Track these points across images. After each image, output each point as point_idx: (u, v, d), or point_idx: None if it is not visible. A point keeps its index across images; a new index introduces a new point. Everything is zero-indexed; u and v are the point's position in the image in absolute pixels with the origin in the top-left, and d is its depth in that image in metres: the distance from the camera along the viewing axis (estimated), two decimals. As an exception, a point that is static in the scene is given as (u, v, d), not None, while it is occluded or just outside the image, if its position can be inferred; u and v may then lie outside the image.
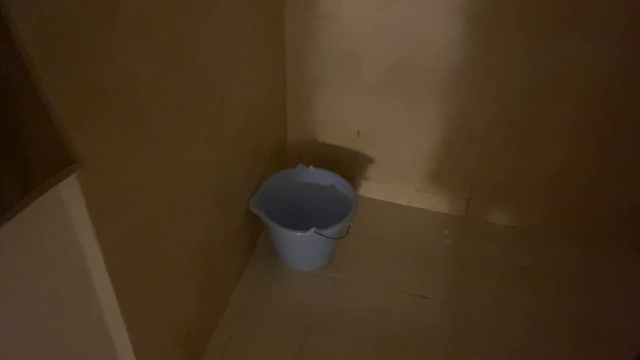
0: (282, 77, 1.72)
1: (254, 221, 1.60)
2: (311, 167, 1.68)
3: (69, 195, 0.74)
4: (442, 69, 1.57)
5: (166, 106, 0.99)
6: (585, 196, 1.69)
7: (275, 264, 1.67)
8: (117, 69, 0.81)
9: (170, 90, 1.00)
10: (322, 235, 1.45)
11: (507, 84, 1.54)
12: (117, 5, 0.78)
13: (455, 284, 1.64)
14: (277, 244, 1.61)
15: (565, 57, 1.43)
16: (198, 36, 1.08)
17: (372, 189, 1.92)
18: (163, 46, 0.94)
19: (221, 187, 1.36)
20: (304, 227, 1.45)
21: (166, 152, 1.03)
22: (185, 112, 1.09)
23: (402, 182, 1.87)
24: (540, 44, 1.44)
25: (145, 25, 0.86)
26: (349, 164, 1.88)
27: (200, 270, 1.33)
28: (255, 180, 1.62)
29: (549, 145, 1.62)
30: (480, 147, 1.69)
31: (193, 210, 1.23)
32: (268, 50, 1.56)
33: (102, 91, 0.78)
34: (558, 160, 1.64)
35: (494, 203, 1.81)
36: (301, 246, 1.56)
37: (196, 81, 1.11)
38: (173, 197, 1.10)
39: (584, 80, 1.46)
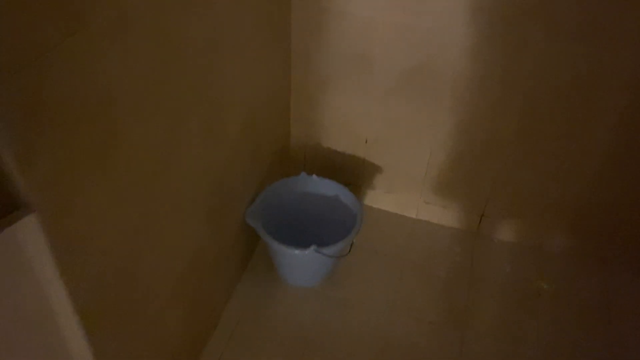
0: (286, 76, 1.59)
1: (251, 232, 1.48)
2: (314, 175, 1.56)
3: (24, 234, 0.62)
4: (461, 76, 1.43)
5: (150, 117, 0.87)
6: (609, 218, 1.56)
7: (271, 279, 1.56)
8: (87, 81, 0.68)
9: (156, 98, 0.87)
10: (322, 254, 1.33)
11: (531, 94, 1.40)
12: (88, 5, 0.65)
13: (463, 308, 1.53)
14: (275, 259, 1.50)
15: (599, 69, 1.30)
16: (192, 34, 0.95)
17: (378, 199, 1.80)
18: (147, 48, 0.81)
19: (216, 198, 1.25)
20: (305, 241, 1.34)
21: (150, 169, 0.91)
22: (175, 120, 0.96)
23: (411, 194, 1.74)
24: (571, 53, 1.30)
25: (123, 25, 0.74)
26: (355, 172, 1.76)
27: (189, 289, 1.22)
28: (254, 188, 1.50)
29: (574, 163, 1.49)
30: (499, 160, 1.56)
31: (182, 227, 1.11)
32: (272, 47, 1.43)
33: (69, 109, 0.66)
34: (582, 179, 1.51)
35: (509, 220, 1.69)
36: (300, 263, 1.45)
37: (189, 84, 0.98)
38: (159, 216, 0.98)
39: (618, 95, 1.32)
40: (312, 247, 1.31)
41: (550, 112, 1.42)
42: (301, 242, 1.34)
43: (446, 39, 1.38)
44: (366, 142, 1.68)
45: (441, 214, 1.75)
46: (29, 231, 0.61)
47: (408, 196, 1.75)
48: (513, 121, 1.47)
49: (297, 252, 1.33)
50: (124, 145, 0.80)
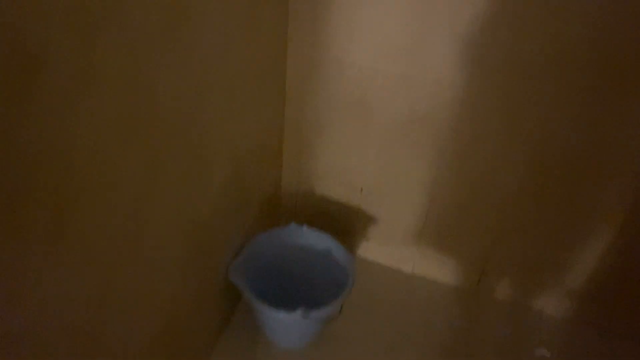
0: (279, 121, 1.51)
1: (235, 286, 1.38)
2: (304, 227, 1.46)
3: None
4: (463, 129, 1.36)
5: (119, 175, 0.78)
6: (616, 286, 1.47)
7: (255, 338, 1.44)
8: (41, 141, 0.59)
9: (127, 153, 0.78)
10: (310, 317, 1.23)
11: (537, 152, 1.32)
12: (44, 60, 0.57)
13: (460, 376, 1.42)
14: (259, 319, 1.39)
15: (613, 131, 1.22)
16: (172, 81, 0.86)
17: (373, 250, 1.70)
18: (116, 99, 0.72)
19: (196, 254, 1.15)
20: (293, 298, 1.24)
21: (118, 232, 0.81)
22: (150, 175, 0.87)
23: (407, 247, 1.65)
24: (582, 114, 1.23)
25: (89, 74, 0.65)
26: (349, 222, 1.67)
27: (164, 353, 1.10)
28: (240, 239, 1.40)
29: (581, 226, 1.40)
30: (500, 217, 1.48)
31: (157, 289, 1.01)
32: (265, 92, 1.35)
33: (16, 176, 0.57)
34: (593, 243, 1.42)
35: (510, 280, 1.60)
36: (286, 325, 1.34)
37: (167, 135, 0.89)
38: (128, 279, 0.88)
39: (631, 161, 1.25)
40: (299, 311, 1.21)
41: (557, 172, 1.34)
42: (289, 299, 1.25)
43: (448, 92, 1.31)
44: (361, 191, 1.59)
45: (438, 270, 1.66)
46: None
47: (404, 249, 1.66)
48: (517, 178, 1.39)
49: (283, 315, 1.23)
50: (84, 209, 0.71)
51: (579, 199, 1.36)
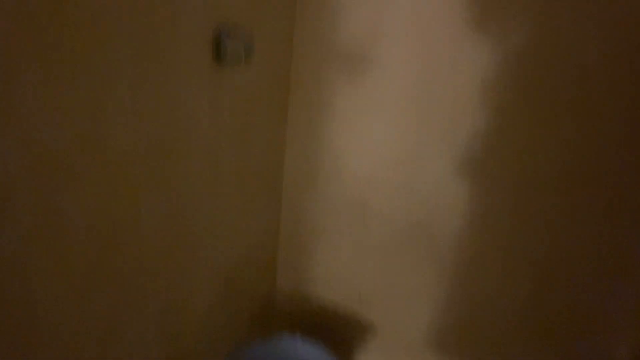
0: (275, 225, 1.48)
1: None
2: (297, 339, 1.38)
3: None
4: (465, 239, 1.31)
5: (86, 309, 0.73)
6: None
7: None
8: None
9: (95, 291, 0.74)
10: None
11: (544, 267, 1.26)
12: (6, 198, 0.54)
13: None
14: None
15: (626, 253, 1.16)
16: (150, 208, 0.84)
17: (371, 361, 1.60)
18: (88, 238, 0.69)
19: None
20: None
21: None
22: (122, 309, 0.83)
23: (407, 357, 1.55)
24: (592, 226, 1.17)
25: (54, 221, 0.63)
26: (347, 329, 1.58)
27: None
28: (229, 350, 1.33)
29: (594, 345, 1.30)
30: (508, 331, 1.39)
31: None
32: (261, 196, 1.33)
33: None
34: (604, 365, 1.32)
35: (520, 399, 1.47)
36: None
37: (150, 263, 0.86)
38: None
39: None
40: None
41: (563, 288, 1.26)
42: None
43: (448, 202, 1.28)
44: (360, 297, 1.52)
45: (442, 385, 1.54)
46: None
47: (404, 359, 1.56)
48: (522, 291, 1.32)
49: None
50: (45, 348, 0.66)
51: (587, 315, 1.27)
